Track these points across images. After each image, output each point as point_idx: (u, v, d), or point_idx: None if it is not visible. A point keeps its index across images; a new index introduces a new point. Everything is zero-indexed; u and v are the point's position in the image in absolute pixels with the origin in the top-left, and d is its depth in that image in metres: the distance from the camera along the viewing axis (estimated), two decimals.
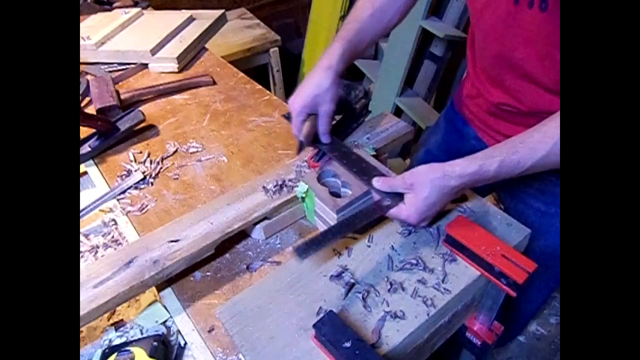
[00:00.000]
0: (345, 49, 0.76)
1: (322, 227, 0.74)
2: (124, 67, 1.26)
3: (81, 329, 0.70)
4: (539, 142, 0.58)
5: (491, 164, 0.59)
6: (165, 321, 0.70)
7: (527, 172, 0.60)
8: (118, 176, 0.89)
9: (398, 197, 0.66)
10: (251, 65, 2.04)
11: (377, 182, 0.68)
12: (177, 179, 0.88)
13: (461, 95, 0.96)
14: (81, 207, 0.84)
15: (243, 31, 2.08)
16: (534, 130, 0.60)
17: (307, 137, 0.77)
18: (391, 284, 0.60)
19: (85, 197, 0.87)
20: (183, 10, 1.45)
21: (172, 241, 0.69)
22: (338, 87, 0.75)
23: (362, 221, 0.65)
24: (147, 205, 0.82)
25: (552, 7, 0.60)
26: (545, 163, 0.59)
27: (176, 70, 1.22)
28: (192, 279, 0.71)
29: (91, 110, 1.03)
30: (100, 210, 0.85)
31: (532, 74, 0.70)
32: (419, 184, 0.62)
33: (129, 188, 0.86)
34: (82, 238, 0.84)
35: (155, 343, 0.63)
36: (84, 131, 0.94)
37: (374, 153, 0.81)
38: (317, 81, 0.74)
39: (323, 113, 0.76)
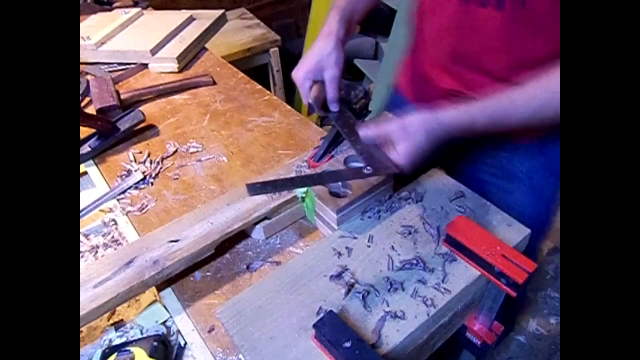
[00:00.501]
0: (342, 15, 0.77)
1: (322, 227, 0.74)
2: (124, 67, 1.26)
3: (81, 329, 0.70)
4: (524, 102, 0.62)
5: (479, 116, 0.63)
6: (165, 321, 0.70)
7: (511, 127, 0.64)
8: (118, 176, 0.89)
9: (380, 162, 0.65)
10: (251, 65, 2.04)
11: (366, 129, 0.66)
12: (177, 179, 0.88)
13: (406, 80, 0.98)
14: (81, 207, 0.84)
15: (243, 31, 2.08)
16: (520, 91, 0.63)
17: (316, 99, 0.75)
18: (391, 284, 0.60)
19: (85, 197, 0.87)
20: (183, 10, 1.45)
21: (172, 241, 0.69)
22: (341, 52, 0.75)
23: (332, 180, 0.63)
24: (147, 205, 0.82)
25: (509, 6, 0.64)
26: (529, 122, 0.63)
27: (176, 70, 1.22)
28: (192, 279, 0.71)
29: (91, 110, 1.03)
30: (100, 210, 0.85)
31: (485, 67, 0.73)
32: (413, 129, 0.63)
33: (129, 188, 0.86)
34: (82, 238, 0.84)
35: (155, 343, 0.63)
36: (84, 131, 0.94)
37: None
38: (319, 47, 0.74)
39: (329, 78, 0.74)
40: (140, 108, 1.00)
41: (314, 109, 0.76)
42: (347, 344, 0.50)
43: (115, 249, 0.83)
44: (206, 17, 1.43)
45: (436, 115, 0.63)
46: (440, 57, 0.81)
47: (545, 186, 0.86)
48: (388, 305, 0.58)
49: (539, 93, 0.62)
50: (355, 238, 0.68)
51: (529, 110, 0.63)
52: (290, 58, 2.63)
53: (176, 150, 0.95)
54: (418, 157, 0.64)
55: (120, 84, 1.20)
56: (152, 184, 0.87)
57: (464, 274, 0.62)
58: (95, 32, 1.30)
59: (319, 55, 0.73)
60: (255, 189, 0.57)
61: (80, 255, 0.82)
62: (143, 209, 0.82)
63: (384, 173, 0.67)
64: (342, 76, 0.77)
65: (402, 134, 0.63)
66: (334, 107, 0.76)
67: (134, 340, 0.65)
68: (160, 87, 1.13)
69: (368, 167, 0.65)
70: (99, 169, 0.93)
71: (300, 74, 0.74)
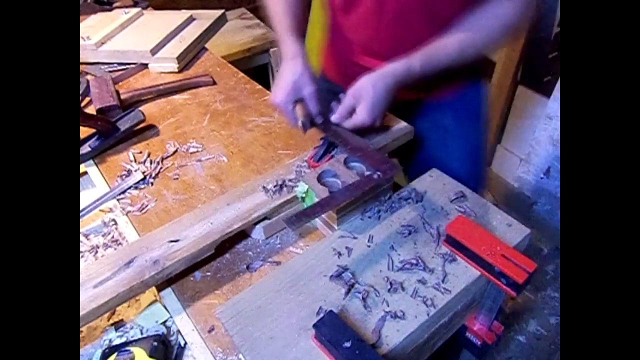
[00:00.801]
0: (296, 35, 0.81)
1: (322, 227, 0.74)
2: (124, 67, 1.26)
3: (81, 329, 0.70)
4: (450, 44, 0.77)
5: (415, 62, 0.75)
6: (165, 321, 0.70)
7: (442, 68, 0.78)
8: (118, 176, 0.89)
9: (388, 170, 0.70)
10: (251, 65, 2.04)
11: (335, 116, 0.77)
12: (177, 179, 0.88)
13: (330, 64, 1.08)
14: (81, 207, 0.84)
15: (243, 31, 2.08)
16: (446, 38, 0.77)
17: (306, 116, 0.80)
18: (391, 284, 0.60)
19: (85, 197, 0.87)
20: (183, 10, 1.45)
21: (172, 241, 0.69)
22: (311, 69, 0.79)
23: (353, 193, 0.66)
24: (147, 205, 0.82)
25: None
26: (457, 61, 0.78)
27: (176, 70, 1.22)
28: (192, 279, 0.71)
29: (91, 110, 1.03)
30: (100, 210, 0.85)
31: (406, 40, 0.84)
32: (364, 91, 0.74)
33: (129, 188, 0.86)
34: (82, 238, 0.84)
35: (155, 343, 0.63)
36: (84, 131, 0.94)
37: None
38: (290, 71, 0.77)
39: (308, 95, 0.78)
40: (140, 108, 1.00)
41: (307, 127, 0.81)
42: (347, 344, 0.50)
43: (115, 249, 0.83)
44: (206, 17, 1.43)
45: (380, 72, 0.75)
46: (363, 42, 0.91)
47: (473, 133, 1.01)
48: (388, 305, 0.58)
49: (461, 36, 0.77)
50: (355, 238, 0.68)
51: (455, 50, 0.77)
52: None
53: (176, 150, 0.95)
54: (378, 110, 0.76)
55: (120, 84, 1.20)
56: (152, 184, 0.87)
57: (464, 274, 0.62)
58: (95, 32, 1.30)
59: (292, 77, 0.77)
60: (294, 222, 0.61)
61: (80, 255, 0.82)
62: (143, 209, 0.82)
63: (390, 174, 0.70)
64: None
65: (357, 97, 0.75)
66: (319, 119, 0.81)
67: (134, 340, 0.65)
68: (160, 87, 1.13)
69: (378, 173, 0.69)
70: (99, 169, 0.93)
71: (281, 98, 0.78)
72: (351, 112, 0.77)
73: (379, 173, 0.69)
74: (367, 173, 0.72)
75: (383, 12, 0.83)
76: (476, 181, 0.97)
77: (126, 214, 0.81)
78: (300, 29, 0.83)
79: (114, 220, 0.84)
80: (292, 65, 0.78)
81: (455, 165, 0.89)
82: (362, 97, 0.74)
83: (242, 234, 0.75)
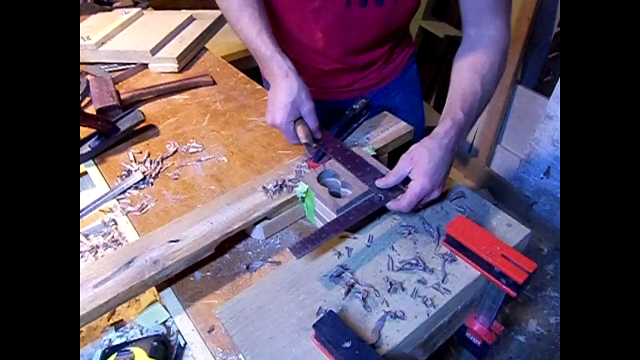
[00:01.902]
0: (278, 50, 0.79)
1: None
2: (124, 67, 1.26)
3: (81, 329, 0.70)
4: (478, 88, 0.73)
5: (457, 113, 0.70)
6: (165, 321, 0.70)
7: (484, 103, 0.76)
8: (118, 176, 0.89)
9: (395, 190, 0.68)
10: (251, 65, 2.03)
11: (381, 182, 0.69)
12: (177, 179, 0.88)
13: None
14: (81, 207, 0.84)
15: None
16: (470, 83, 0.74)
17: (308, 136, 0.78)
18: (391, 284, 0.60)
19: (85, 197, 0.87)
20: (183, 10, 1.45)
21: (172, 241, 0.69)
22: (305, 85, 0.77)
23: (357, 217, 0.65)
24: (147, 205, 0.82)
25: (387, 2, 0.82)
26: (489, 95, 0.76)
27: (176, 70, 1.22)
28: (192, 279, 0.71)
29: (91, 110, 1.03)
30: (100, 210, 0.85)
31: (365, 49, 0.94)
32: (418, 155, 0.67)
33: (129, 188, 0.86)
34: (82, 238, 0.84)
35: (155, 343, 0.63)
36: (84, 131, 0.94)
37: (374, 153, 0.81)
38: (285, 89, 0.75)
39: (307, 112, 0.77)
40: (140, 108, 1.00)
41: (311, 146, 0.79)
42: (347, 344, 0.50)
43: (115, 249, 0.83)
44: (206, 17, 1.43)
45: (430, 136, 0.69)
46: (321, 46, 0.92)
47: (417, 105, 1.15)
48: (388, 305, 0.58)
49: (470, 74, 0.75)
50: (355, 238, 0.68)
51: (487, 91, 0.75)
52: None
53: (176, 150, 0.95)
54: (437, 174, 0.67)
55: (120, 84, 1.20)
56: (152, 184, 0.87)
57: (464, 274, 0.62)
58: (95, 32, 1.30)
59: (289, 96, 0.75)
60: (299, 249, 0.61)
61: (80, 255, 0.82)
62: (143, 209, 0.82)
63: (392, 197, 0.68)
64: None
65: (412, 162, 0.67)
66: (318, 135, 0.80)
67: (134, 340, 0.65)
68: (160, 87, 1.13)
69: (380, 195, 0.68)
70: (99, 169, 0.93)
71: (281, 120, 0.76)
72: (404, 181, 0.68)
73: (380, 195, 0.68)
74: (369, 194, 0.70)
75: (351, 20, 0.86)
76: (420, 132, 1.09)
77: (126, 214, 0.81)
78: (281, 48, 0.80)
79: (114, 220, 0.84)
80: (286, 84, 0.75)
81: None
82: (418, 162, 0.66)
83: (242, 234, 0.75)
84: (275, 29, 0.89)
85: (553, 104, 1.68)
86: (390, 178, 0.68)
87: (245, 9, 0.81)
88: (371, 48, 0.96)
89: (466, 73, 0.75)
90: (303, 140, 0.77)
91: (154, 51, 1.24)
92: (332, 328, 0.52)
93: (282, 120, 0.76)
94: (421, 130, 1.17)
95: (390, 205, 0.68)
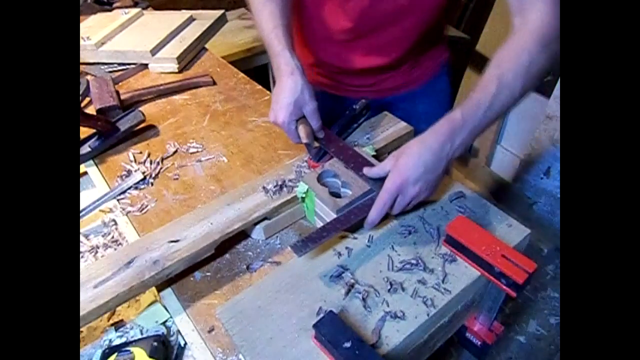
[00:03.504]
0: (289, 48, 0.78)
1: None
2: (124, 67, 1.26)
3: (81, 329, 0.70)
4: (491, 87, 0.65)
5: (455, 113, 0.65)
6: (165, 321, 0.70)
7: (503, 101, 0.66)
8: (118, 176, 0.89)
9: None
10: (251, 66, 2.04)
11: (366, 169, 0.70)
12: (177, 179, 0.88)
13: (320, 71, 1.05)
14: (81, 207, 0.84)
15: (243, 31, 2.08)
16: (485, 81, 0.66)
17: (309, 136, 0.78)
18: (391, 284, 0.60)
19: (85, 197, 0.87)
20: (183, 10, 1.45)
21: (172, 241, 0.69)
22: (309, 84, 0.76)
23: (357, 216, 0.66)
24: (147, 206, 0.82)
25: None
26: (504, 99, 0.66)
27: (176, 70, 1.22)
28: (192, 279, 0.71)
29: (91, 110, 1.03)
30: (100, 211, 0.85)
31: (392, 47, 0.92)
32: (399, 152, 0.66)
33: (129, 188, 0.86)
34: (82, 238, 0.84)
35: (155, 343, 0.63)
36: (84, 131, 0.94)
37: (374, 153, 0.81)
38: (289, 87, 0.74)
39: (310, 112, 0.77)
40: (140, 108, 1.00)
41: (311, 146, 0.79)
42: (347, 344, 0.50)
43: (115, 249, 0.83)
44: (206, 17, 1.43)
45: (422, 136, 0.66)
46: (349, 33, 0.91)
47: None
48: (388, 306, 0.58)
49: (497, 72, 0.66)
50: (355, 238, 0.68)
51: (495, 88, 0.65)
52: None
53: (176, 151, 0.95)
54: (418, 176, 0.64)
55: (120, 84, 1.20)
56: (152, 184, 0.87)
57: (464, 274, 0.62)
58: (95, 32, 1.30)
59: (293, 95, 0.74)
60: (300, 248, 0.61)
61: (80, 255, 0.82)
62: (143, 209, 0.82)
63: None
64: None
65: (397, 155, 0.66)
66: (320, 134, 0.80)
67: (134, 341, 0.65)
68: (160, 87, 1.13)
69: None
70: (99, 169, 0.93)
71: (283, 119, 0.76)
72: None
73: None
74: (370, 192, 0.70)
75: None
76: None
77: (126, 214, 0.81)
78: (292, 45, 0.81)
79: (114, 220, 0.84)
80: (291, 82, 0.74)
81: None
82: (397, 159, 0.65)
83: (242, 234, 0.75)
84: (303, 21, 0.91)
85: (553, 104, 1.68)
86: (373, 169, 0.69)
87: (268, 4, 0.81)
88: (397, 46, 0.93)
89: (488, 69, 0.68)
90: (304, 140, 0.77)
91: (154, 51, 1.24)
92: (332, 328, 0.52)
93: (284, 119, 0.75)
94: None
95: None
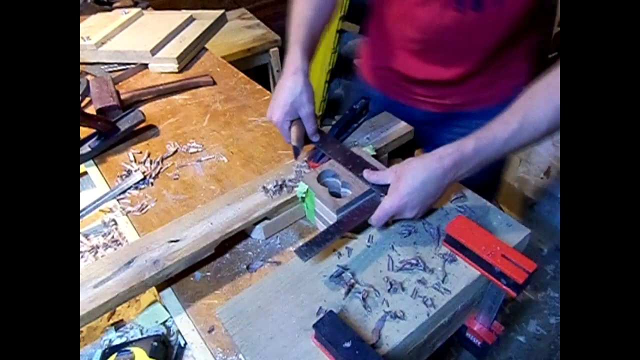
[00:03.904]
0: (304, 49, 0.78)
1: (322, 227, 0.74)
2: (124, 67, 1.26)
3: (81, 329, 0.70)
4: (512, 121, 0.62)
5: (468, 142, 0.63)
6: (165, 321, 0.70)
7: (522, 138, 0.62)
8: (118, 176, 0.89)
9: (386, 187, 0.67)
10: (251, 66, 2.04)
11: (367, 173, 0.70)
12: (177, 179, 0.88)
13: (368, 68, 1.04)
14: (81, 207, 0.84)
15: (243, 31, 2.08)
16: (509, 112, 0.63)
17: (299, 140, 0.78)
18: (391, 284, 0.60)
19: (85, 197, 0.87)
20: (183, 10, 1.45)
21: (172, 241, 0.69)
22: (310, 86, 0.77)
23: (360, 218, 0.66)
24: (147, 206, 0.82)
25: (487, 5, 0.74)
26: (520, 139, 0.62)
27: (176, 70, 1.22)
28: (192, 279, 0.71)
29: (91, 110, 1.03)
30: (100, 210, 0.85)
31: (460, 60, 0.85)
32: (401, 172, 0.64)
33: (129, 188, 0.86)
34: (82, 238, 0.84)
35: (155, 343, 0.63)
36: (84, 131, 0.94)
37: (374, 153, 0.81)
38: (289, 87, 0.75)
39: (306, 115, 0.77)
40: (140, 108, 1.00)
41: (298, 153, 0.80)
42: (347, 344, 0.50)
43: (115, 249, 0.83)
44: (206, 17, 1.43)
45: (430, 154, 0.64)
46: (409, 49, 0.88)
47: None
48: (388, 305, 0.58)
49: (522, 111, 0.62)
50: (355, 238, 0.68)
51: (514, 128, 0.62)
52: None
53: (176, 151, 0.95)
54: (411, 196, 0.63)
55: (120, 84, 1.20)
56: (152, 184, 0.87)
57: (464, 274, 0.62)
58: (95, 32, 1.30)
59: (291, 95, 0.75)
60: (304, 252, 0.61)
61: (80, 255, 0.82)
62: (143, 209, 0.82)
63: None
64: (308, 76, 0.78)
65: (398, 175, 0.65)
66: (315, 138, 0.80)
67: (134, 341, 0.65)
68: (160, 87, 1.13)
69: (382, 194, 0.67)
70: (99, 169, 0.93)
71: (278, 117, 0.76)
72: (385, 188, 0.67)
73: (382, 195, 0.67)
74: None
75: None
76: (489, 190, 0.95)
77: (126, 214, 0.81)
78: (310, 48, 0.80)
79: (114, 220, 0.84)
80: (292, 82, 0.74)
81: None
82: (399, 177, 0.64)
83: (242, 234, 0.75)
84: (382, 28, 0.90)
85: None
86: (373, 176, 0.69)
87: (305, 7, 0.82)
88: (464, 62, 0.85)
89: (519, 97, 0.64)
90: (293, 143, 0.78)
91: (154, 51, 1.24)
92: (332, 328, 0.52)
93: (279, 117, 0.76)
94: (495, 189, 1.05)
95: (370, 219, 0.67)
